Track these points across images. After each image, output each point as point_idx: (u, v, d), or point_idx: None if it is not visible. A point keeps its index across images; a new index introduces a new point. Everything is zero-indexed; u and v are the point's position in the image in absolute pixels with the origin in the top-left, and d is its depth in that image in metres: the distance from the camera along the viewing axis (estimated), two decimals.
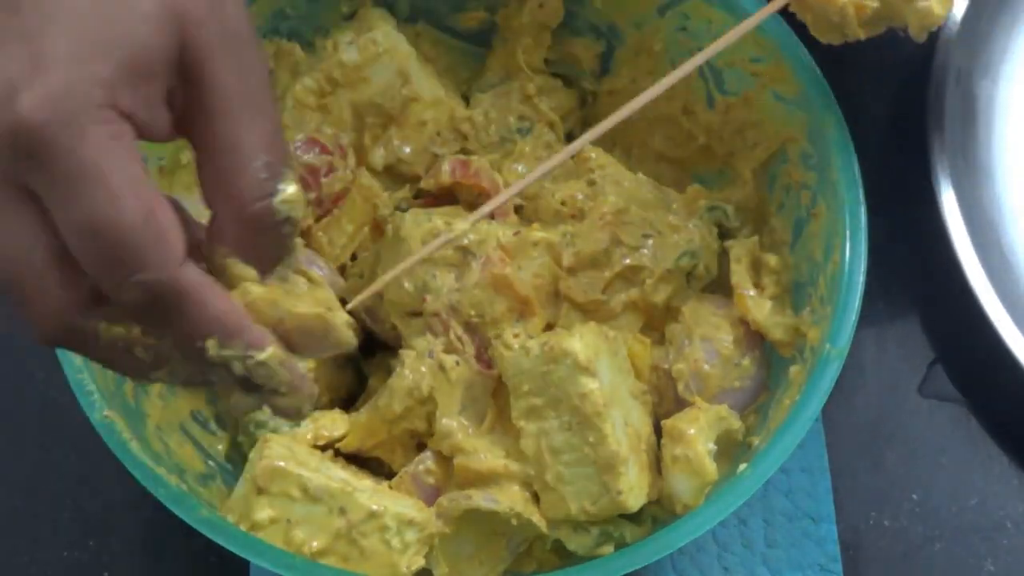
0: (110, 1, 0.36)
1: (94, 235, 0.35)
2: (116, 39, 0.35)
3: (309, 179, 0.57)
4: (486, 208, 0.50)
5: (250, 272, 0.39)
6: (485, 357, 0.54)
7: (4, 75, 0.35)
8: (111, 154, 0.35)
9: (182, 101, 0.38)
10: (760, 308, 0.55)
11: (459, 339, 0.54)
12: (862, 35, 0.52)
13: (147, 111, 0.36)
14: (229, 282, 0.38)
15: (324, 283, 0.41)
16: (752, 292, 0.56)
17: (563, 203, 0.58)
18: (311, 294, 0.41)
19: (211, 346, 0.37)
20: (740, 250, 0.57)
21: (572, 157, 0.60)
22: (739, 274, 0.56)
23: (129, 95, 0.36)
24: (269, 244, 0.39)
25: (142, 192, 0.35)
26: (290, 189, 0.38)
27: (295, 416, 0.41)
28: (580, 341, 0.51)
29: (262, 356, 0.38)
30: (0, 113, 0.35)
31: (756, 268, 0.57)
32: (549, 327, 0.56)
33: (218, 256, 0.38)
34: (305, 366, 0.40)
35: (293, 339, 0.39)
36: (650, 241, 0.56)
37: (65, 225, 0.35)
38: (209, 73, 0.37)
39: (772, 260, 0.56)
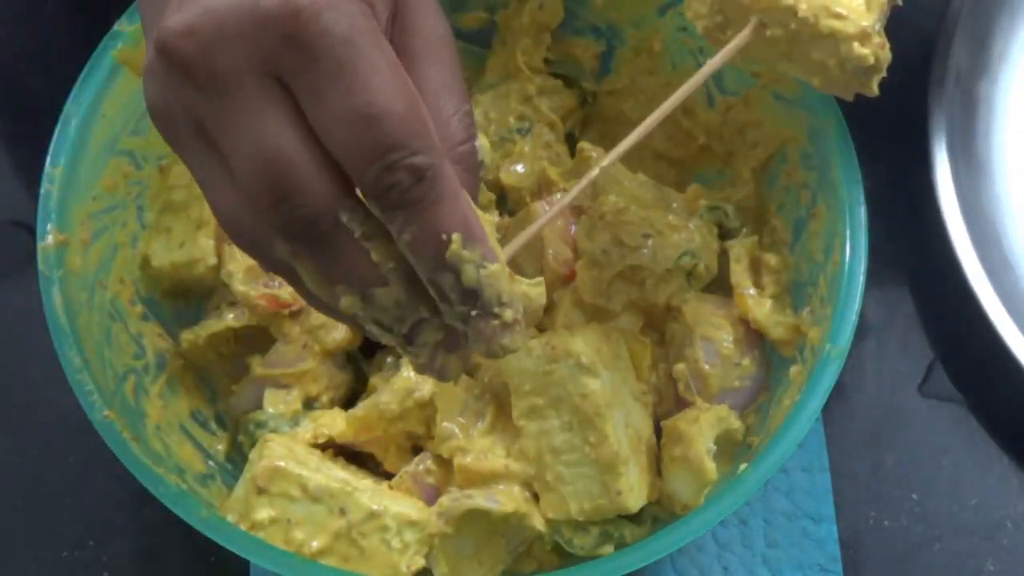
0: None
1: (366, 120, 0.35)
2: None
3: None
4: (567, 198, 0.49)
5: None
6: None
7: None
8: (378, 43, 0.35)
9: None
10: (760, 307, 0.55)
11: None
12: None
13: (386, 25, 0.37)
14: None
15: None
16: (752, 291, 0.56)
17: None
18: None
19: (456, 241, 0.37)
20: (740, 250, 0.57)
21: (573, 156, 0.60)
22: (739, 274, 0.56)
23: None
24: (470, 184, 0.40)
25: (407, 81, 0.36)
26: (482, 141, 0.40)
27: (500, 351, 0.40)
28: (582, 341, 0.51)
29: (494, 267, 0.38)
30: None
31: (756, 268, 0.57)
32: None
33: None
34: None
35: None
36: (650, 241, 0.56)
37: (329, 114, 0.35)
38: (422, 16, 0.38)
39: (772, 260, 0.56)
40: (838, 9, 0.47)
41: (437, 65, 0.39)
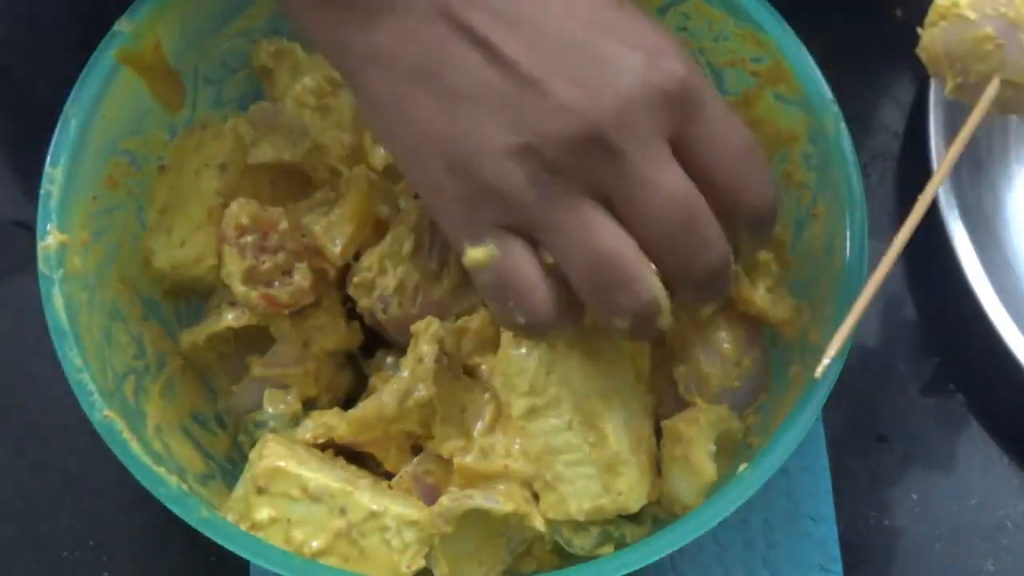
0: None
1: (751, 152, 0.46)
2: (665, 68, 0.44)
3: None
4: None
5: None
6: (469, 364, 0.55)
7: (640, 52, 0.43)
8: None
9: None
10: (758, 291, 0.55)
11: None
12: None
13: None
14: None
15: None
16: (747, 280, 0.56)
17: None
18: None
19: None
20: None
21: None
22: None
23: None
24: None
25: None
26: None
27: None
28: (583, 341, 0.51)
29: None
30: (651, 77, 0.43)
31: (749, 268, 0.57)
32: None
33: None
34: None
35: None
36: None
37: (719, 151, 0.45)
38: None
39: (763, 256, 0.56)
40: None
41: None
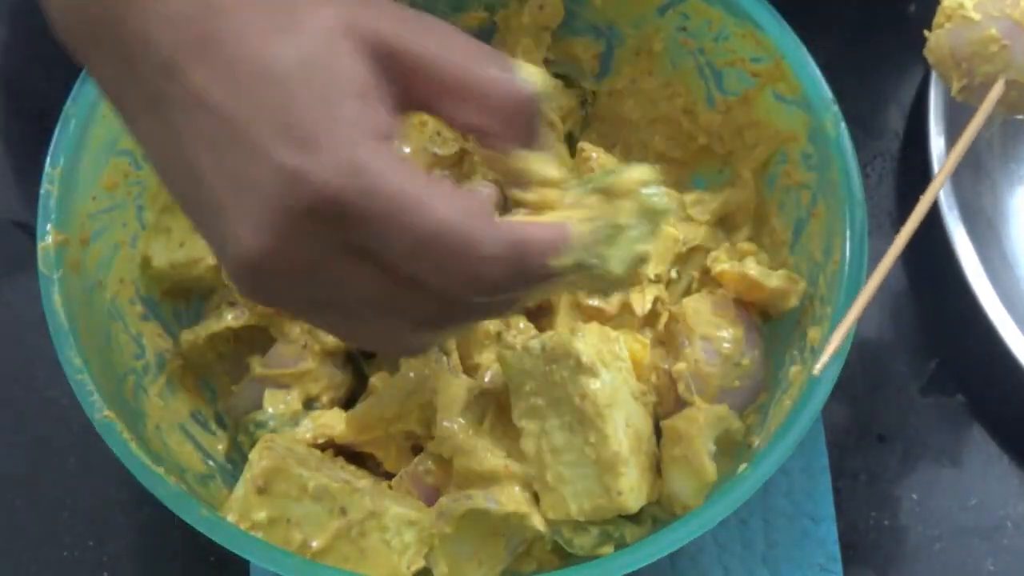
0: (313, 63, 0.37)
1: (426, 248, 0.37)
2: (340, 86, 0.37)
3: None
4: None
5: (539, 156, 0.42)
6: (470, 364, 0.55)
7: (274, 164, 0.36)
8: (404, 176, 0.37)
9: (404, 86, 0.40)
10: (748, 265, 0.55)
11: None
12: None
13: (392, 113, 0.39)
14: (532, 177, 0.43)
15: None
16: (737, 261, 0.56)
17: None
18: None
19: (556, 265, 0.39)
20: (716, 253, 0.57)
21: (573, 156, 0.60)
22: (718, 259, 0.56)
23: (384, 120, 0.38)
24: (534, 123, 0.42)
25: (441, 189, 0.37)
26: (527, 69, 0.42)
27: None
28: (583, 341, 0.51)
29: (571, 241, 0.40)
30: (293, 198, 0.36)
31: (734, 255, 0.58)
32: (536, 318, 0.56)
33: (510, 160, 0.42)
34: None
35: None
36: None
37: (402, 258, 0.37)
38: (417, 56, 0.39)
39: (746, 246, 0.56)
40: None
41: (458, 73, 0.40)
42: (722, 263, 0.56)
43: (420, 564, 0.51)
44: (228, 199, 0.37)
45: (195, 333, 0.57)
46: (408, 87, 0.40)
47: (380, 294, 0.39)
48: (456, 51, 0.40)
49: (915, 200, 0.46)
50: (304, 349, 0.56)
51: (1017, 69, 0.47)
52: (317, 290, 0.39)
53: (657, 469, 0.54)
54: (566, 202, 0.43)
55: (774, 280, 0.55)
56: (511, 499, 0.52)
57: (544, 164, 0.43)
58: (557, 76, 0.63)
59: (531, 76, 0.41)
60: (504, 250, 0.38)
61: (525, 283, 0.39)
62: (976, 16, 0.47)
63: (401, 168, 0.37)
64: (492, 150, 0.42)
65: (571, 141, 0.63)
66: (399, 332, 0.41)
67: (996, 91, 0.47)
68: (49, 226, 0.52)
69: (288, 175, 0.36)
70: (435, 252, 0.37)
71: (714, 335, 0.55)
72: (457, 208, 0.37)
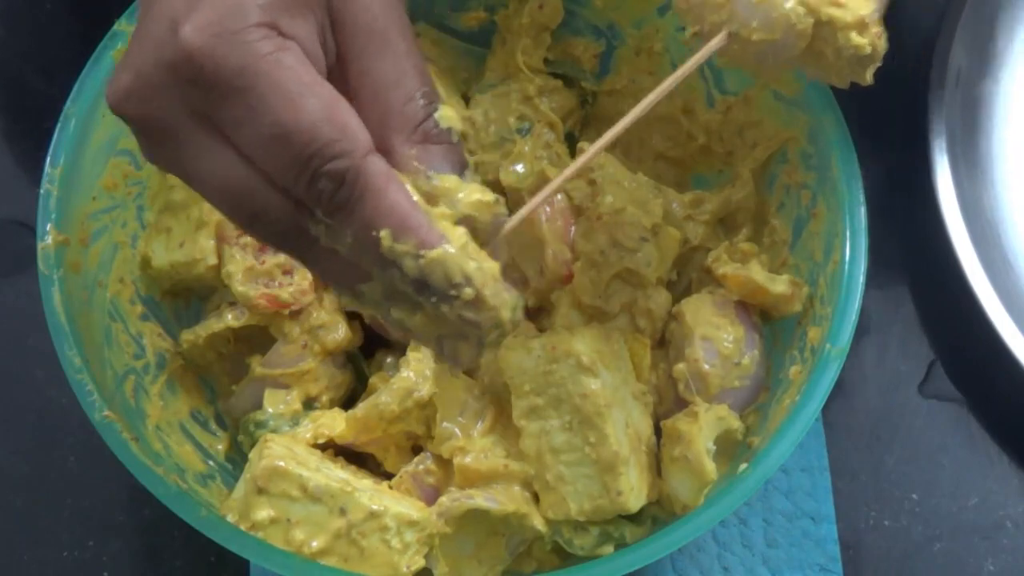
0: None
1: (278, 140, 0.37)
2: None
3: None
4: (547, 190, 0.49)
5: (451, 177, 0.40)
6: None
7: (166, 14, 0.36)
8: (278, 63, 0.37)
9: (334, 48, 0.39)
10: (753, 270, 0.55)
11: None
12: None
13: (307, 41, 0.38)
14: (443, 192, 0.40)
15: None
16: (741, 264, 0.56)
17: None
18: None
19: (384, 237, 0.38)
20: (716, 252, 0.57)
21: (573, 156, 0.60)
22: (721, 261, 0.56)
23: (287, 21, 0.37)
24: (451, 152, 0.41)
25: (318, 91, 0.37)
26: (448, 112, 0.41)
27: (494, 336, 0.41)
28: (583, 341, 0.51)
29: (434, 252, 0.38)
30: (165, 50, 0.37)
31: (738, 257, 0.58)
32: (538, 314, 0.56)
33: (419, 179, 0.40)
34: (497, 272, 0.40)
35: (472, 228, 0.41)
36: (647, 245, 0.56)
37: (249, 141, 0.37)
38: (360, 10, 0.39)
39: (746, 246, 0.56)
40: None
41: (379, 58, 0.40)
42: (725, 265, 0.56)
43: (420, 564, 0.51)
44: (134, 39, 0.39)
45: (195, 333, 0.57)
46: (335, 37, 0.40)
47: (238, 184, 0.38)
48: (388, 59, 0.40)
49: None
50: (304, 349, 0.56)
51: (740, 23, 0.48)
52: (182, 157, 0.39)
53: (657, 469, 0.54)
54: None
55: (779, 285, 0.55)
56: (511, 499, 0.52)
57: (473, 190, 0.41)
58: (557, 76, 0.63)
59: (448, 118, 0.41)
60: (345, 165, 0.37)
61: (353, 214, 0.38)
62: None
63: (271, 56, 0.37)
64: (410, 171, 0.40)
65: (571, 141, 0.63)
66: (262, 233, 0.40)
67: (716, 41, 0.49)
68: (49, 226, 0.52)
69: (167, 24, 0.37)
70: (277, 148, 0.37)
71: (714, 335, 0.55)
72: (316, 110, 0.37)
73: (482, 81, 0.63)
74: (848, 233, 0.53)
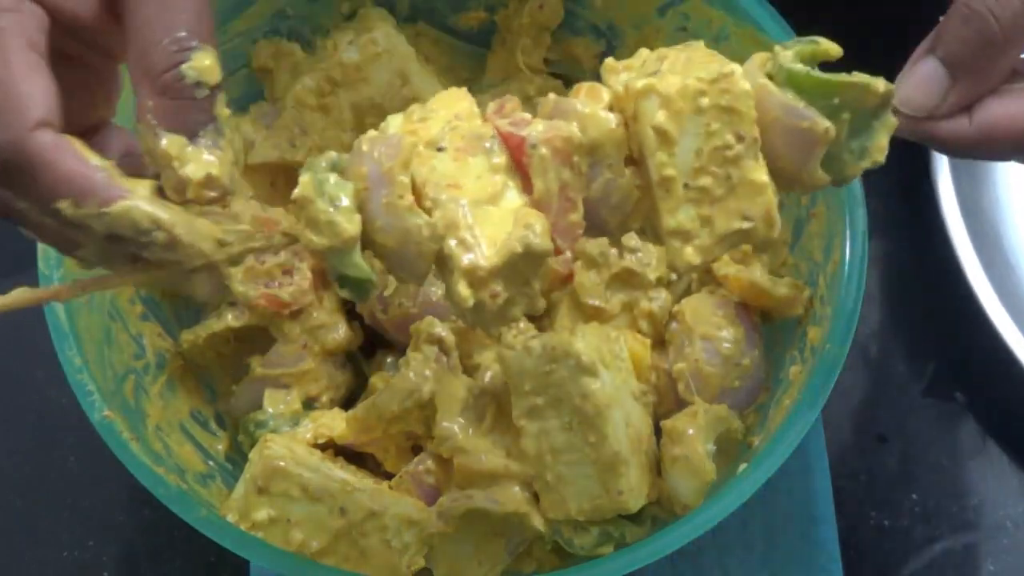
0: None
1: None
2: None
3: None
4: None
5: (178, 140, 0.39)
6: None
7: None
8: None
9: None
10: (756, 272, 0.55)
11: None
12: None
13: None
14: (162, 157, 0.39)
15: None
16: (744, 265, 0.56)
17: None
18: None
19: (65, 207, 0.38)
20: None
21: None
22: (723, 262, 0.56)
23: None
24: (187, 110, 0.39)
25: None
26: (205, 61, 0.39)
27: (209, 293, 0.41)
28: (583, 341, 0.51)
29: (115, 208, 0.38)
30: None
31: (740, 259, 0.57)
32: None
33: (148, 135, 0.39)
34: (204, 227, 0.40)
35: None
36: (647, 245, 0.56)
37: None
38: None
39: (745, 247, 0.56)
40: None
41: (147, 4, 0.39)
42: (727, 266, 0.56)
43: (420, 564, 0.51)
44: None
45: (195, 333, 0.57)
46: None
47: None
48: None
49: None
50: (304, 349, 0.56)
51: None
52: None
53: (657, 469, 0.54)
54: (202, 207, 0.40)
55: (782, 288, 0.55)
56: (511, 499, 0.52)
57: (195, 159, 0.40)
58: (557, 76, 0.63)
59: (202, 69, 0.39)
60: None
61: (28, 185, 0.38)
62: None
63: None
64: (144, 123, 0.40)
65: None
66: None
67: None
68: None
69: None
70: None
71: (714, 335, 0.55)
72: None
73: (482, 81, 0.63)
74: (848, 233, 0.53)
